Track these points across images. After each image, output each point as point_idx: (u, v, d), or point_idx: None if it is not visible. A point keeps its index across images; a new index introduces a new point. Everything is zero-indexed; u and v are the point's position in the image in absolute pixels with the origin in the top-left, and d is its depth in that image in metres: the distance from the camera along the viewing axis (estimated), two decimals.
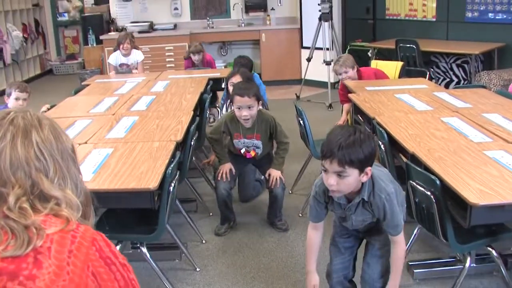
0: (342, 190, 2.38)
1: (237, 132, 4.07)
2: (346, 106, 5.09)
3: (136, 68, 6.51)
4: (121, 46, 6.39)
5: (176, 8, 9.66)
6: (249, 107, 3.90)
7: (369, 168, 2.36)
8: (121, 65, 6.50)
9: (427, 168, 2.92)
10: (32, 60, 11.18)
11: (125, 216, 3.28)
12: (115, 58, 6.53)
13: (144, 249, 3.19)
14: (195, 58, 6.70)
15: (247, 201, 4.64)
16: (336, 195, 2.44)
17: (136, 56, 6.56)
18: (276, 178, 3.99)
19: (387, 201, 2.43)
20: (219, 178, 4.02)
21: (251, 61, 5.95)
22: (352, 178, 2.32)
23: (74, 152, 1.36)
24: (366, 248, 2.77)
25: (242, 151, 4.10)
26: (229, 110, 4.73)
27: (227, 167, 4.05)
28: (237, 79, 4.65)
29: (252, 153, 4.11)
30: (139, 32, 9.08)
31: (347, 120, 5.04)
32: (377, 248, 2.70)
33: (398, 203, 2.48)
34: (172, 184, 3.05)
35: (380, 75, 5.44)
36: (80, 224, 1.27)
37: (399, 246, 2.53)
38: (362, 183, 2.42)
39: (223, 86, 5.63)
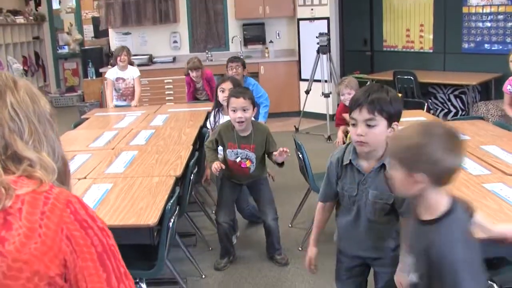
0: (370, 141, 2.36)
1: (231, 142, 4.00)
2: (342, 127, 5.05)
3: (133, 85, 6.55)
4: (118, 59, 6.45)
5: (175, 41, 9.74)
6: (244, 110, 3.89)
7: (396, 123, 2.37)
8: (117, 79, 6.53)
9: None
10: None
11: (124, 251, 3.21)
12: (112, 73, 6.58)
13: (144, 285, 3.16)
14: (193, 74, 6.49)
15: (250, 217, 4.71)
16: (363, 149, 2.41)
17: (132, 72, 6.61)
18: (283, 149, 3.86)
19: None
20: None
21: (243, 60, 6.05)
22: (380, 128, 2.34)
23: (52, 117, 1.31)
24: (374, 280, 2.72)
25: (238, 160, 4.00)
26: (217, 119, 4.76)
27: (217, 163, 3.94)
28: (227, 85, 4.62)
29: (248, 163, 4.01)
30: (139, 65, 9.11)
31: (343, 140, 5.00)
32: (385, 281, 2.62)
33: None
34: (172, 220, 3.05)
35: None
36: (54, 186, 1.21)
37: None
38: (386, 148, 2.37)
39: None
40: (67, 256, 1.17)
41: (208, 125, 4.87)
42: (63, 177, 1.29)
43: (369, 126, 2.34)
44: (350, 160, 2.49)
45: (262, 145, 4.03)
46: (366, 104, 2.32)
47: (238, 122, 3.92)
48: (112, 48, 9.74)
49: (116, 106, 6.54)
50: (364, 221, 2.53)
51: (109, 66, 7.01)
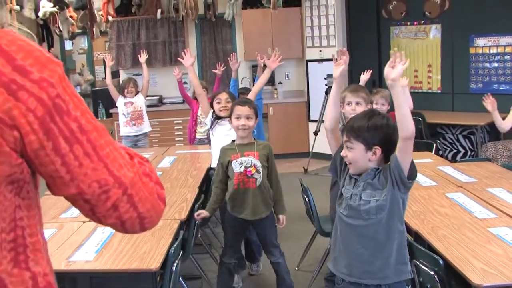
0: (352, 163, 2.63)
1: (233, 154, 3.93)
2: None
3: (141, 108, 6.79)
4: (125, 91, 6.64)
5: (185, 83, 9.81)
6: (248, 118, 3.92)
7: (378, 148, 2.53)
8: (125, 104, 6.66)
9: (431, 247, 2.90)
10: None
11: None
12: (121, 100, 6.79)
13: None
14: None
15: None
16: (351, 169, 2.67)
17: (140, 97, 6.87)
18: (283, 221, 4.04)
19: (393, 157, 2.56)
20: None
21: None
22: (358, 152, 2.57)
23: None
24: None
25: (241, 169, 3.90)
26: (213, 126, 4.76)
27: (205, 213, 3.94)
28: (223, 96, 4.74)
29: (253, 169, 3.91)
30: (148, 106, 9.22)
31: None
32: None
33: None
34: (175, 264, 3.04)
35: None
36: None
37: None
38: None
39: None
40: (8, 139, 0.95)
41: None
42: None
43: (347, 148, 2.61)
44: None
45: (264, 158, 3.97)
46: (346, 130, 2.63)
47: (241, 129, 3.93)
48: None
49: (124, 136, 6.65)
50: (361, 223, 2.61)
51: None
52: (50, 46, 11.73)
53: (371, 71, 5.28)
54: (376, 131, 2.55)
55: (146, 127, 6.93)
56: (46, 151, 0.98)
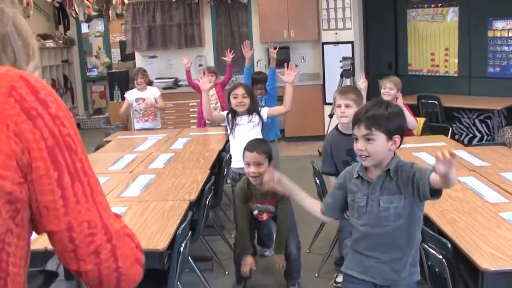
0: (372, 155, 2.44)
1: (251, 199, 3.94)
2: None
3: (156, 102, 6.54)
4: (134, 82, 6.47)
5: (200, 65, 9.81)
6: (258, 164, 3.77)
7: (398, 136, 2.44)
8: (137, 99, 6.48)
9: (440, 230, 2.88)
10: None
11: None
12: (131, 94, 6.55)
13: None
14: (209, 78, 6.55)
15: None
16: (367, 163, 2.49)
17: (152, 91, 6.58)
18: (279, 264, 3.86)
19: (417, 166, 2.44)
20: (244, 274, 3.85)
21: (266, 76, 6.00)
22: (380, 143, 2.42)
23: None
24: None
25: (255, 213, 3.99)
26: (234, 123, 4.72)
27: (249, 263, 3.82)
28: (240, 91, 4.67)
29: (265, 216, 3.99)
30: (164, 88, 9.25)
31: None
32: None
33: None
34: (183, 245, 3.04)
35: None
36: None
37: None
38: (391, 160, 2.48)
39: None
40: (19, 157, 0.99)
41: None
42: (20, 53, 1.09)
43: (368, 140, 2.43)
44: (358, 172, 2.56)
45: (282, 201, 3.89)
46: (364, 120, 2.43)
47: (252, 177, 3.82)
48: None
49: (138, 130, 6.57)
50: (380, 228, 2.51)
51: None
52: (66, 28, 11.81)
53: (366, 82, 5.14)
54: (396, 119, 2.46)
55: (158, 124, 6.74)
56: (50, 180, 1.02)
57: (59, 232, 1.05)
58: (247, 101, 4.67)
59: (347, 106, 3.75)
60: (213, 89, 6.68)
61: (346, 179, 2.62)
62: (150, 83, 6.71)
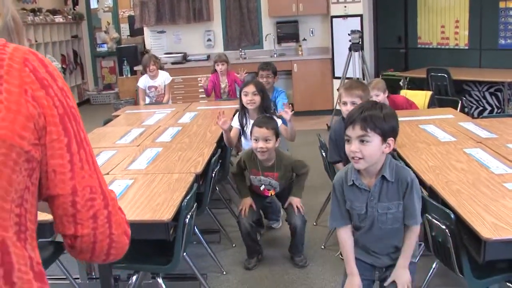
0: (366, 158, 2.42)
1: (254, 169, 4.04)
2: None
3: (165, 93, 6.62)
4: (147, 69, 6.54)
5: (209, 40, 9.80)
6: (266, 140, 3.87)
7: (391, 139, 2.43)
8: (149, 87, 6.62)
9: (444, 201, 2.88)
10: (71, 90, 11.45)
11: (141, 246, 3.29)
12: (143, 81, 6.68)
13: (160, 280, 3.19)
14: (219, 68, 6.67)
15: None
16: (359, 165, 2.46)
17: (163, 77, 6.69)
18: (297, 206, 3.96)
19: (414, 180, 2.50)
20: (242, 215, 3.98)
21: (274, 67, 5.94)
22: (374, 145, 2.40)
23: None
24: None
25: (262, 188, 4.04)
26: (244, 122, 4.71)
27: (247, 203, 4.02)
28: (250, 88, 4.61)
29: (272, 192, 4.08)
30: (173, 63, 9.26)
31: None
32: None
33: (418, 192, 2.54)
34: (188, 216, 3.07)
35: (411, 105, 5.36)
36: (7, 43, 1.10)
37: (415, 235, 2.57)
38: (383, 164, 2.48)
39: None
40: (36, 120, 1.07)
41: (233, 123, 4.80)
42: (13, 35, 1.18)
43: (362, 142, 2.40)
44: (353, 180, 2.54)
45: (286, 173, 4.04)
46: (359, 121, 2.38)
47: (260, 152, 3.91)
48: (148, 47, 9.87)
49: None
50: (377, 230, 2.58)
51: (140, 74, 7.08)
52: (75, 3, 11.79)
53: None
54: (391, 120, 2.44)
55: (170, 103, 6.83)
56: (61, 144, 1.10)
57: (63, 195, 1.11)
58: (257, 98, 4.61)
59: (353, 103, 3.69)
60: (225, 81, 6.78)
61: (342, 187, 2.60)
62: (161, 67, 6.79)
